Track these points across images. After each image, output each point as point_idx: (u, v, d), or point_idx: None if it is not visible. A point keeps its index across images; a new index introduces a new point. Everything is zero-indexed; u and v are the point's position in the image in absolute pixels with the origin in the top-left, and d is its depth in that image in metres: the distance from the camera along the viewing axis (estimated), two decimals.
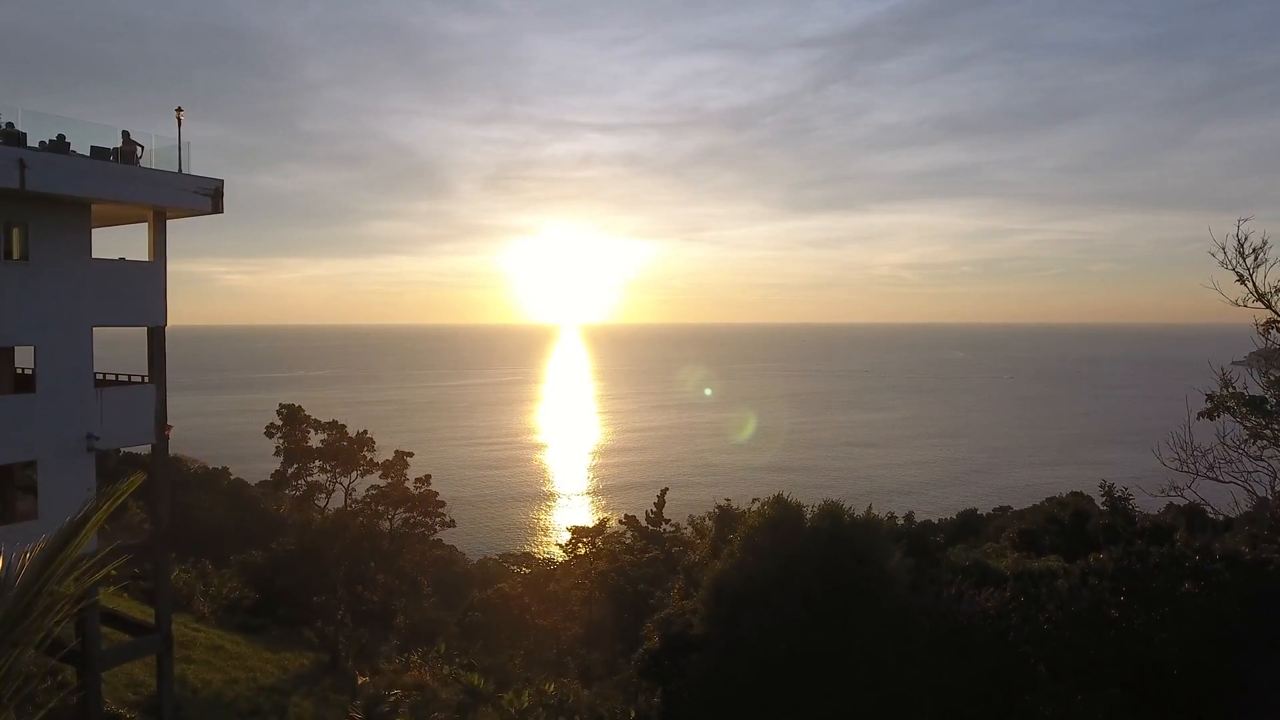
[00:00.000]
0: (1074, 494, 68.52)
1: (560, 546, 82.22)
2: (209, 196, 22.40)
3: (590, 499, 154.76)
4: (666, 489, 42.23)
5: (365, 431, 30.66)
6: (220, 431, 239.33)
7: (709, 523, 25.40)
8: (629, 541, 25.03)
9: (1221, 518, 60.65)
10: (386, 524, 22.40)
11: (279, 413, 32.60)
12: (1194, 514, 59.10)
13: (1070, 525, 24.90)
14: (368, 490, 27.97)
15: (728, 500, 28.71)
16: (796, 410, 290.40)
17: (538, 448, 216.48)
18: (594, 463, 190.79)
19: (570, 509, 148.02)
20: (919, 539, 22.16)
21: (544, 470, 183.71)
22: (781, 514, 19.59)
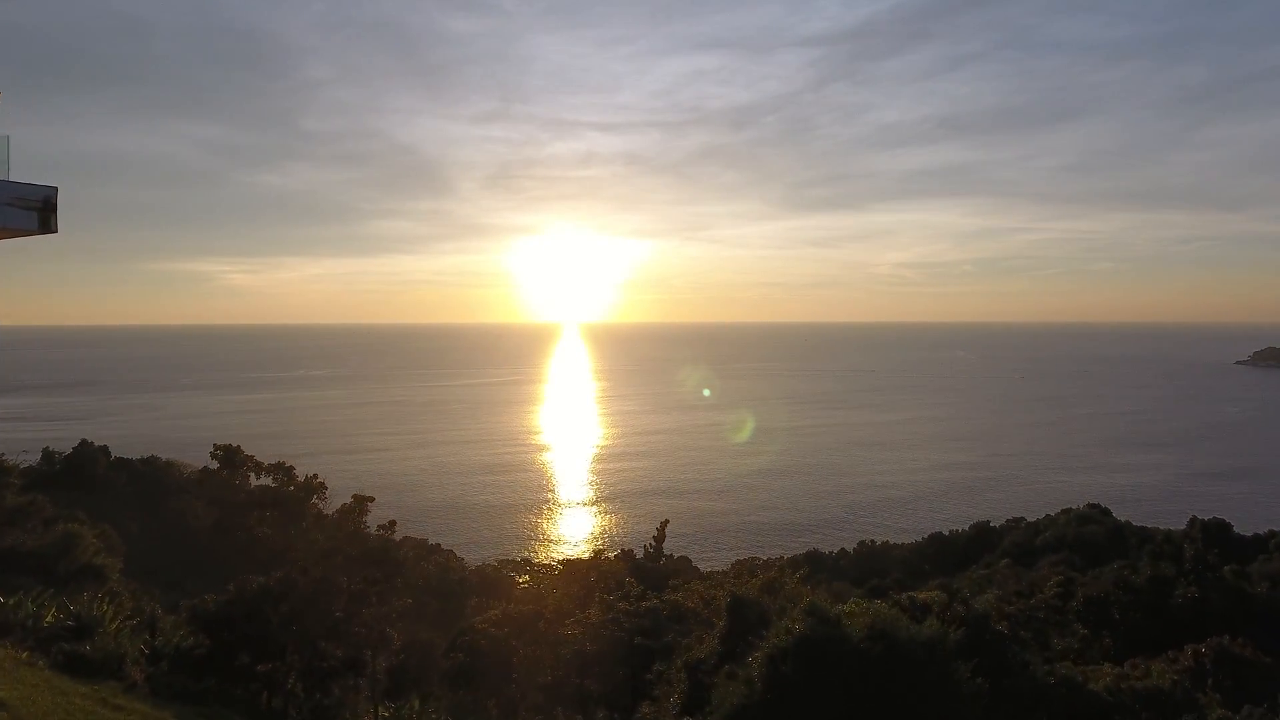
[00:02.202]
0: (1091, 506, 66.37)
1: (551, 576, 79.80)
2: (34, 210, 15.61)
3: (589, 508, 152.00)
4: (667, 521, 39.42)
5: (316, 476, 27.65)
6: (219, 433, 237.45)
7: (719, 596, 21.89)
8: (626, 586, 22.37)
9: (1250, 534, 58.41)
10: (344, 580, 19.06)
11: (214, 455, 29.73)
12: (1219, 530, 56.72)
13: (1148, 595, 21.06)
14: (319, 541, 24.49)
15: (744, 561, 25.70)
16: (799, 412, 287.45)
17: (538, 451, 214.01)
18: (594, 468, 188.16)
19: (569, 518, 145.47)
20: (979, 628, 17.88)
21: (544, 475, 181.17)
22: (817, 633, 14.59)
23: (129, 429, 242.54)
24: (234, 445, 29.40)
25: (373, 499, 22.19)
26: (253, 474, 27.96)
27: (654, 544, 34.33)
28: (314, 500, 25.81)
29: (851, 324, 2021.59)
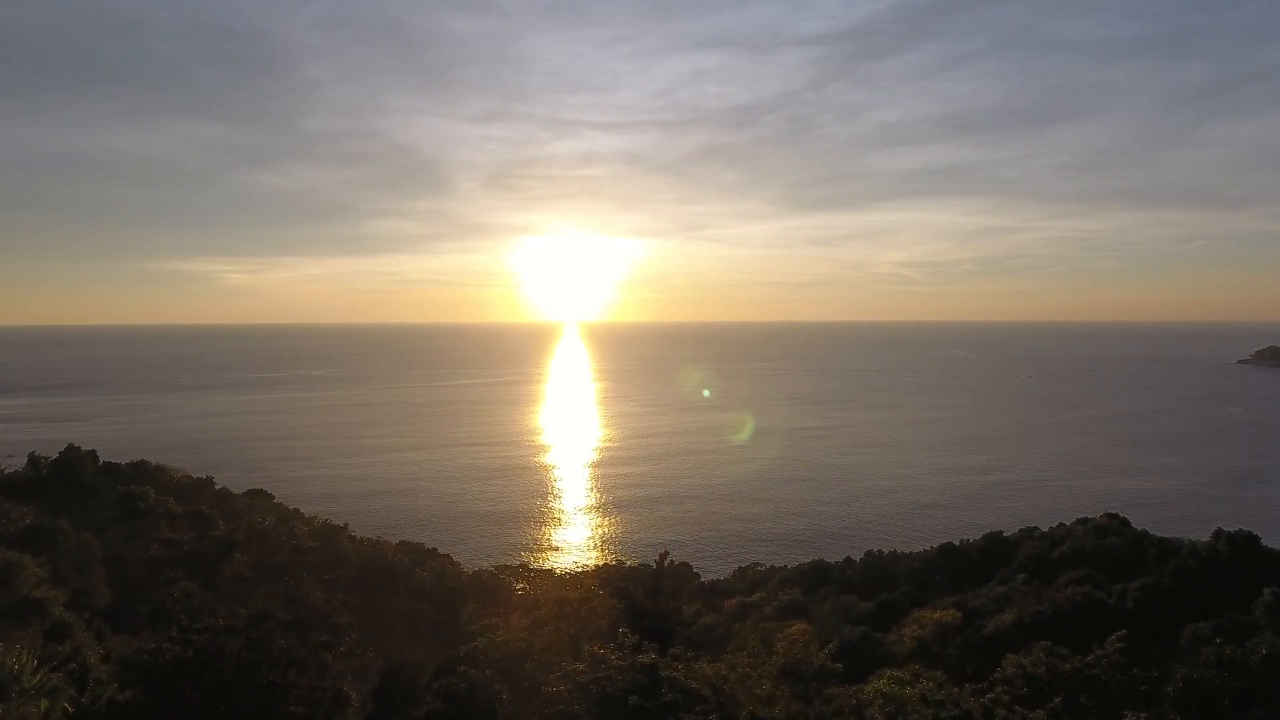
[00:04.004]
0: (1109, 516, 63.75)
1: (548, 583, 77.32)
2: None
3: (589, 514, 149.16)
4: (667, 553, 36.74)
5: (238, 526, 24.54)
6: (215, 435, 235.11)
7: (730, 679, 19.07)
8: (620, 637, 19.90)
9: None
10: (282, 643, 15.55)
11: (118, 503, 26.87)
12: (1247, 543, 54.10)
13: (1267, 681, 17.21)
14: (249, 606, 20.36)
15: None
16: (801, 413, 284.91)
17: (538, 454, 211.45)
18: (594, 472, 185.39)
19: (569, 523, 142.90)
20: None
21: (544, 479, 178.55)
22: None
23: (127, 430, 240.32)
24: (139, 490, 26.74)
25: (315, 545, 19.69)
26: (163, 522, 25.02)
27: (654, 575, 31.67)
28: (237, 555, 22.50)
29: (852, 323, 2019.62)
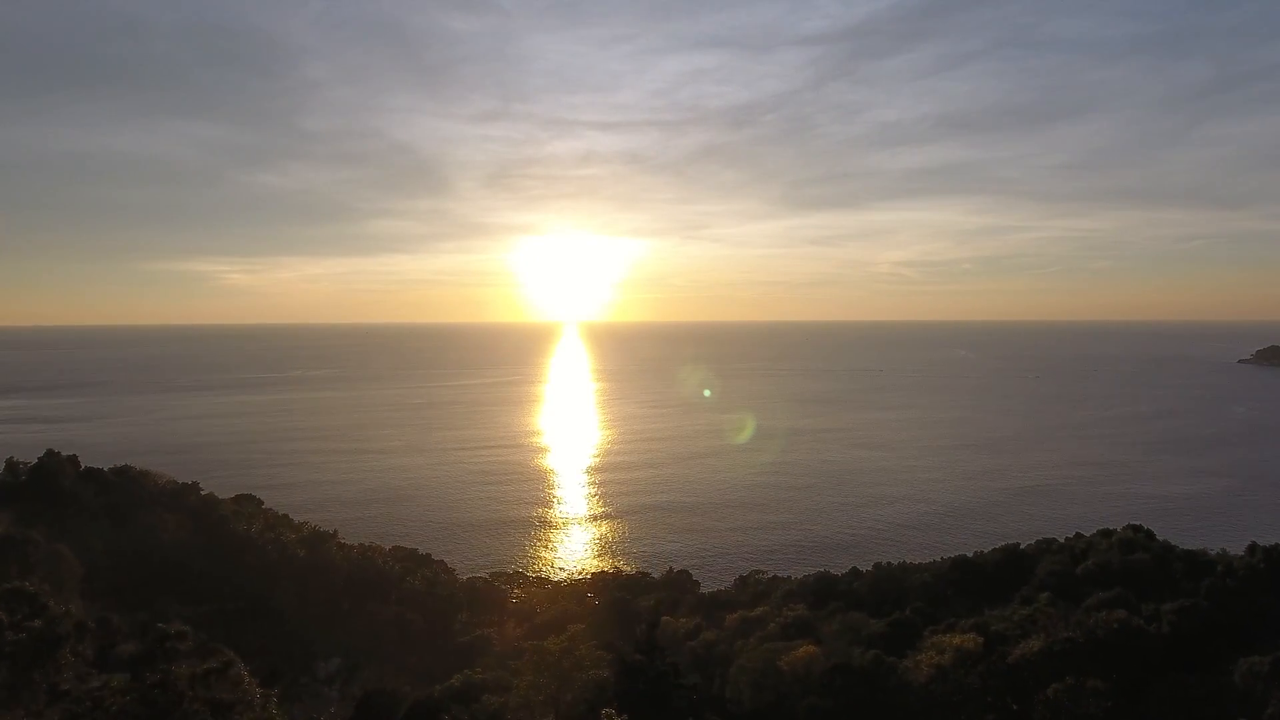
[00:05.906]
0: (1133, 528, 60.58)
1: (542, 594, 74.55)
2: None
3: (588, 521, 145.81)
4: (658, 617, 33.77)
5: (67, 611, 19.27)
6: (211, 436, 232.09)
7: None
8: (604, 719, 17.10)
9: None
10: None
11: None
12: None
13: None
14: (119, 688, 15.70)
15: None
16: (803, 414, 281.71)
17: (536, 457, 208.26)
18: (593, 478, 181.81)
19: (567, 530, 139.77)
20: None
21: (542, 485, 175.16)
22: None
23: (122, 432, 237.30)
24: None
25: (186, 630, 16.38)
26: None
27: (644, 637, 28.58)
28: (65, 650, 17.78)
29: (852, 322, 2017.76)
